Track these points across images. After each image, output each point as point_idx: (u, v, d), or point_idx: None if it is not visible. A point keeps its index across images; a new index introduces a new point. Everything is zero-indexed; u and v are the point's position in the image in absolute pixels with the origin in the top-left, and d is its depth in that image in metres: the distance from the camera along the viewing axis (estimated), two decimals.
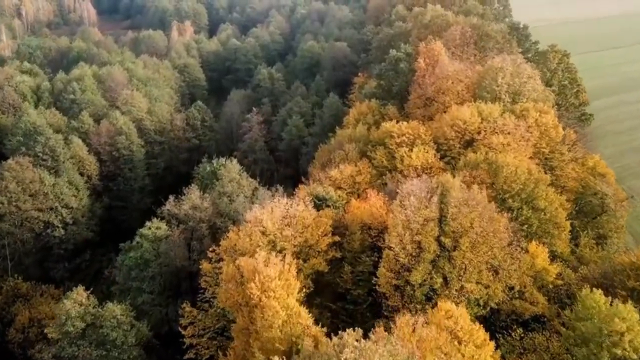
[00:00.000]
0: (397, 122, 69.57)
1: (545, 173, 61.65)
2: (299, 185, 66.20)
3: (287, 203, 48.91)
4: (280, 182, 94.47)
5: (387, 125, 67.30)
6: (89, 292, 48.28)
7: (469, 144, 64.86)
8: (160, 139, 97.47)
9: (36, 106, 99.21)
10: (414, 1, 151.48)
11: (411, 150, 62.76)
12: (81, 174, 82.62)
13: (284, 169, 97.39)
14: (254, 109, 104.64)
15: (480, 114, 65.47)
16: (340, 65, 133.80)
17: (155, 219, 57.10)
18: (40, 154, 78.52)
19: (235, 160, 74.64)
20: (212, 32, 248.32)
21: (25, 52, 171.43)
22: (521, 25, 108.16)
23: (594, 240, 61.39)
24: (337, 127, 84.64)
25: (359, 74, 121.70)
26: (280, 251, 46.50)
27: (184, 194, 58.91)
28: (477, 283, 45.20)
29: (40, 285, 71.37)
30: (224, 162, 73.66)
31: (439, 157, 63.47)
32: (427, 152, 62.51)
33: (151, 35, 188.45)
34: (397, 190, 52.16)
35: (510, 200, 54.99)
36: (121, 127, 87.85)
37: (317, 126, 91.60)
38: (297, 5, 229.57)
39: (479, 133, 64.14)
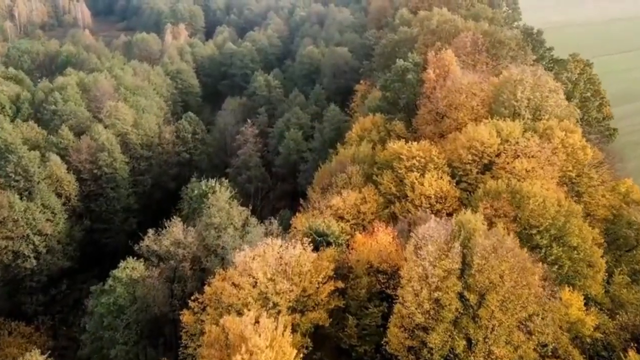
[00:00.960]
0: (406, 141, 62.55)
1: (573, 200, 54.75)
2: (297, 214, 59.29)
3: (281, 246, 41.82)
4: (277, 200, 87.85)
5: (394, 146, 60.22)
6: (46, 355, 41.03)
7: (487, 167, 57.88)
8: (148, 153, 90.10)
9: (14, 118, 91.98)
10: (418, 4, 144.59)
11: (423, 175, 55.73)
12: (59, 195, 75.35)
13: (280, 186, 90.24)
14: (248, 120, 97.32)
15: (499, 133, 58.48)
16: (341, 71, 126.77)
17: (130, 257, 49.81)
18: (12, 174, 71.22)
19: (226, 183, 67.82)
20: (208, 34, 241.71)
21: (15, 55, 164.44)
22: (535, 31, 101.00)
23: (629, 278, 54.36)
24: (338, 143, 77.70)
25: (361, 81, 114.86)
26: (273, 305, 39.48)
27: (166, 227, 51.76)
28: (507, 343, 38.20)
29: (10, 322, 64.47)
30: (213, 185, 66.81)
31: (453, 183, 56.41)
32: (440, 178, 55.47)
33: (144, 39, 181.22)
34: (410, 228, 45.36)
35: (537, 237, 47.98)
36: (103, 143, 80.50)
37: (316, 141, 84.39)
38: (296, 7, 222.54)
39: (498, 156, 57.15)
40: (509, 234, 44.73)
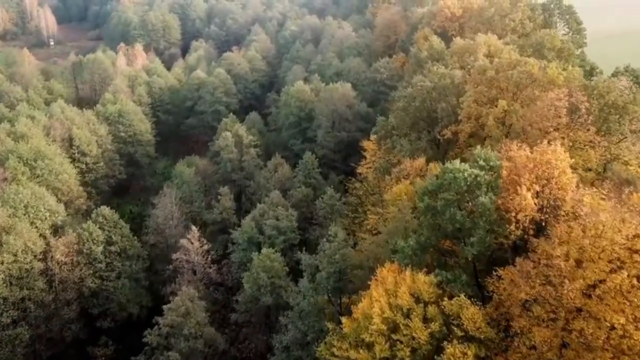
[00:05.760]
0: None
1: None
2: None
3: None
4: None
5: None
6: None
7: None
8: (20, 293, 53.14)
9: None
10: (446, 23, 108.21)
11: None
12: None
13: (244, 348, 52.87)
14: (193, 227, 60.02)
15: None
16: (342, 119, 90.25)
17: None
18: None
19: None
20: (185, 48, 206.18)
21: None
22: None
23: None
24: (339, 314, 40.99)
25: (372, 138, 78.67)
26: None
27: None
28: None
29: None
30: None
31: None
32: None
33: (97, 59, 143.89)
34: None
35: None
36: None
37: (304, 296, 45.71)
38: (287, 19, 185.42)
39: None
40: None
